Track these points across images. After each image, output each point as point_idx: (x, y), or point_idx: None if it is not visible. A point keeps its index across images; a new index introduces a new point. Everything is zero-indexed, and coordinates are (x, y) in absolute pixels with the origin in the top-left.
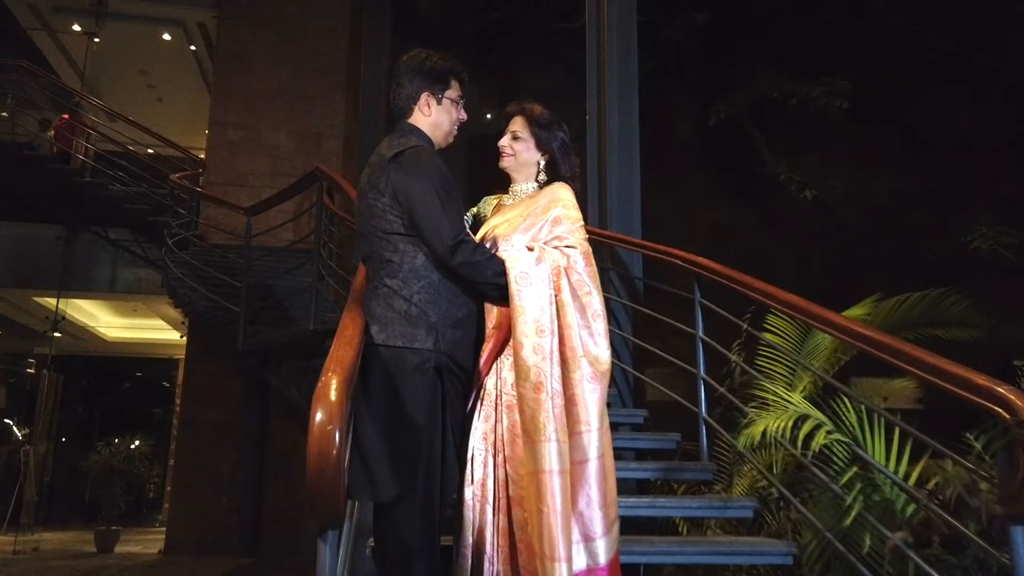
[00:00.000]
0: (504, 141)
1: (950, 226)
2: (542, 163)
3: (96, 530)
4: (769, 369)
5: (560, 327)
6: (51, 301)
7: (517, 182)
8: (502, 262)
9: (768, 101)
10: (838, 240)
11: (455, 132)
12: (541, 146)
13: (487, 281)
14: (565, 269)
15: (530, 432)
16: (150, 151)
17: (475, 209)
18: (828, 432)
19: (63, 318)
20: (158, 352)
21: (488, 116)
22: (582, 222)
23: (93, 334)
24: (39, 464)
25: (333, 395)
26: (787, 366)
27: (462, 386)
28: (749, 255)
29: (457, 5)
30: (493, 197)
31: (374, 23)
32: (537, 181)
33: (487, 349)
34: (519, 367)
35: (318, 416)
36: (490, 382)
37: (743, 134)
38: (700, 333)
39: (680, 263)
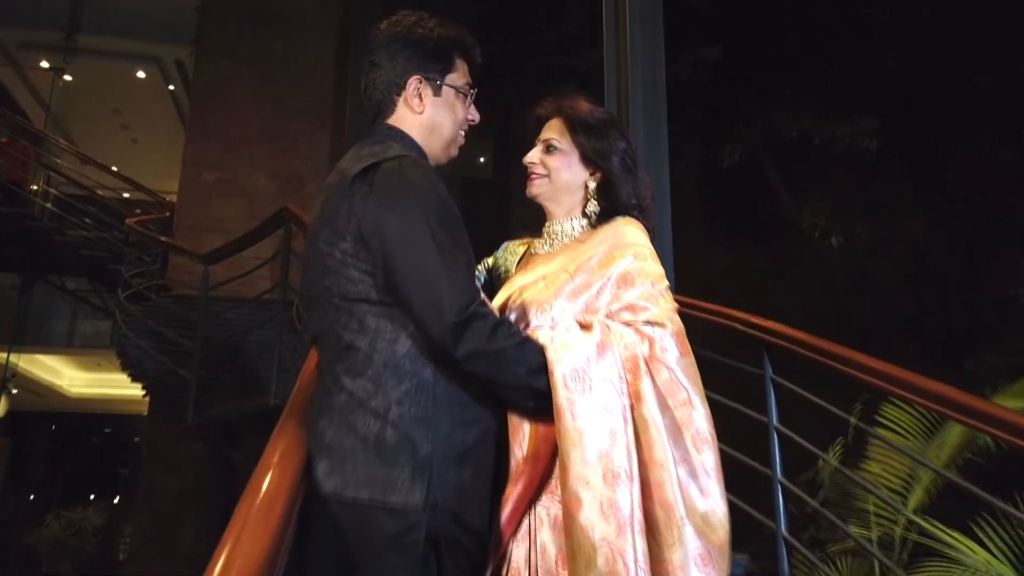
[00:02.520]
0: (534, 155)
1: (981, 275)
2: (592, 187)
3: None
4: (876, 474)
5: (644, 466)
6: (2, 355)
7: (555, 218)
8: (541, 351)
9: (783, 142)
10: (855, 289)
11: (461, 140)
12: (590, 161)
13: (516, 384)
14: (647, 361)
15: None
16: (126, 195)
17: (490, 260)
18: None
19: (14, 374)
20: (127, 408)
21: (481, 160)
22: (666, 281)
23: (53, 390)
24: None
25: None
26: (897, 467)
27: (471, 563)
28: (755, 305)
29: None
30: (518, 242)
31: (363, 55)
32: (586, 215)
33: (513, 495)
34: (575, 542)
35: None
36: (518, 553)
37: (751, 176)
38: (775, 422)
39: (742, 327)
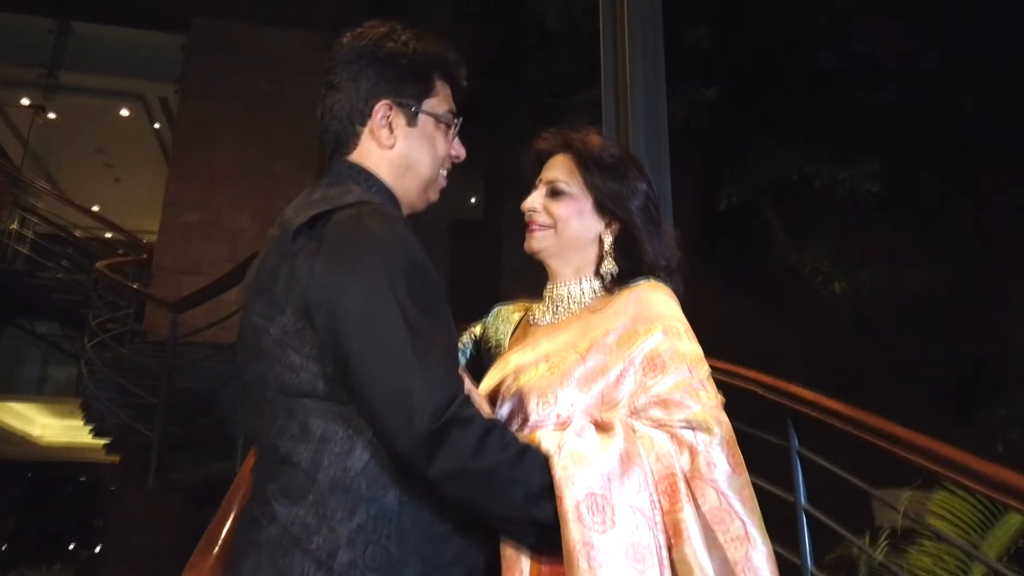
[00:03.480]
0: (535, 200)
1: (988, 322)
2: (608, 241)
3: None
4: (925, 569)
5: None
6: None
7: (561, 278)
8: (544, 466)
9: (782, 184)
10: (857, 337)
11: (443, 181)
12: (605, 209)
13: (512, 515)
14: (688, 480)
15: None
16: (108, 236)
17: (478, 329)
18: None
19: None
20: (102, 457)
21: (472, 200)
22: (707, 367)
23: (25, 439)
24: None
25: None
26: (947, 560)
27: None
28: (753, 355)
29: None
30: (513, 306)
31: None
32: (600, 276)
33: None
34: None
35: None
36: None
37: (749, 219)
38: (803, 501)
39: (762, 392)
